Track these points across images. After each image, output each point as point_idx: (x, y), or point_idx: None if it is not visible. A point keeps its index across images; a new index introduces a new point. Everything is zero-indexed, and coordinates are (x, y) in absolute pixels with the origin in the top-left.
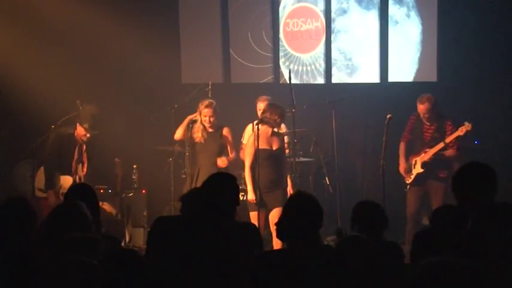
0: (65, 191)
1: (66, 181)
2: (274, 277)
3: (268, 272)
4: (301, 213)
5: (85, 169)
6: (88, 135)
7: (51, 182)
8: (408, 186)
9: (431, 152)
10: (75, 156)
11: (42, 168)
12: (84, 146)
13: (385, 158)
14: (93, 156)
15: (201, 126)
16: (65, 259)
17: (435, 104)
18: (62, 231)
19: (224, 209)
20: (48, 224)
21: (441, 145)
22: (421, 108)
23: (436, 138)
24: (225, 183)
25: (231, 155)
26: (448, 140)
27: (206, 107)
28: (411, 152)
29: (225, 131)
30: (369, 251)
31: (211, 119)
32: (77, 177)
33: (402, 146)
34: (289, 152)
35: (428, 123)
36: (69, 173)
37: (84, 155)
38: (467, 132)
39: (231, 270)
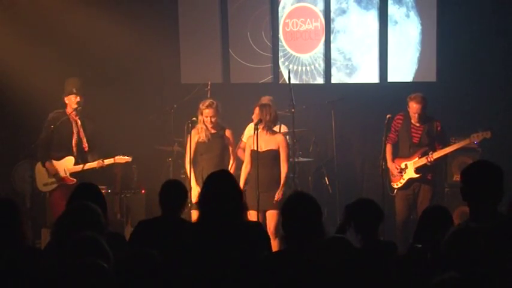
0: (70, 171)
1: (68, 162)
2: (282, 277)
3: (276, 273)
4: (299, 214)
5: (85, 144)
6: (78, 98)
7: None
8: (395, 191)
9: (436, 156)
10: (74, 136)
11: (39, 163)
12: (79, 121)
13: (384, 158)
14: (94, 128)
15: (204, 127)
16: (78, 263)
17: (427, 105)
18: (75, 232)
19: (231, 209)
20: (61, 224)
21: (449, 149)
22: (415, 107)
23: (426, 140)
24: (223, 182)
25: (232, 163)
26: (457, 145)
27: (207, 107)
28: (396, 155)
29: (228, 133)
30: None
31: (213, 119)
32: (79, 156)
33: (389, 148)
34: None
35: (417, 124)
36: (70, 154)
37: (81, 129)
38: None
39: (240, 270)
